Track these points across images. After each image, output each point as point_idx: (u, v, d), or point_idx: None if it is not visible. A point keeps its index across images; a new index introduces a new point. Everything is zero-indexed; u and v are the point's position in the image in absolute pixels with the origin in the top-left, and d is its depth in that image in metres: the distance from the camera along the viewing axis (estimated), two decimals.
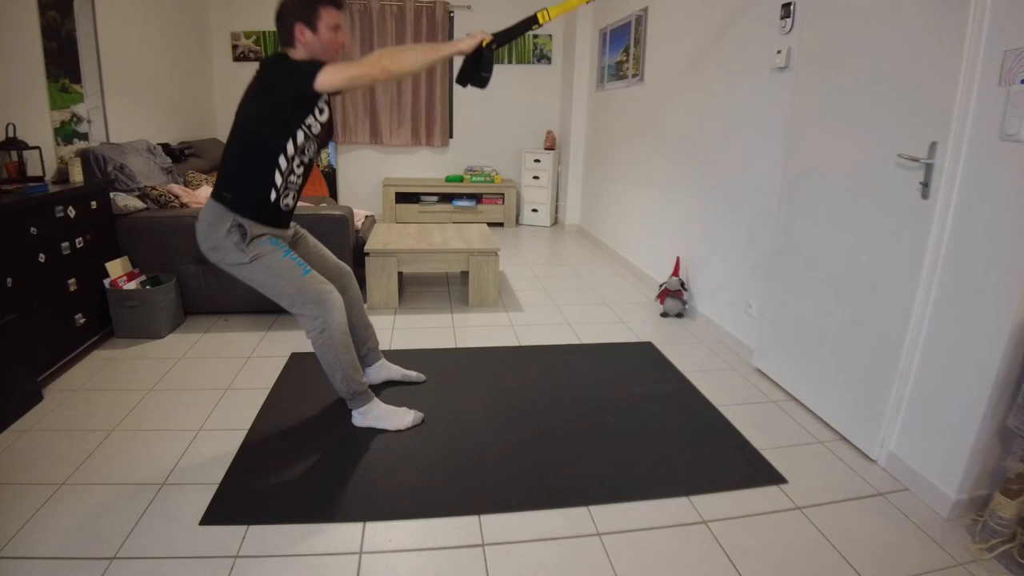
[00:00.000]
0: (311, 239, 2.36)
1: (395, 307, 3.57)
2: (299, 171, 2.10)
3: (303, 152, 2.06)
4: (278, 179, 2.02)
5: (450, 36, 5.89)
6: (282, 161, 2.01)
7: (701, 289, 3.46)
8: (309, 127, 2.02)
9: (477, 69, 2.06)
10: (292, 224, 2.24)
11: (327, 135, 2.15)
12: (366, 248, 3.45)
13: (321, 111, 2.04)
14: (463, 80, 2.10)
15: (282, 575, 1.55)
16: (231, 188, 2.02)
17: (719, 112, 3.22)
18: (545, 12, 2.12)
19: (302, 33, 1.95)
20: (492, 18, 5.60)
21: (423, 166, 6.33)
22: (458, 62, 2.10)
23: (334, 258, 2.40)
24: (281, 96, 1.93)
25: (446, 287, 4.04)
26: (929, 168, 1.84)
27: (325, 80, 1.82)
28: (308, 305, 2.06)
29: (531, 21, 2.11)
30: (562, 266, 4.71)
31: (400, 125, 6.09)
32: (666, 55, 3.94)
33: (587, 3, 2.40)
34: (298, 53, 1.98)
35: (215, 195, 2.04)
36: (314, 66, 1.84)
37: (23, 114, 2.94)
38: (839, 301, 2.24)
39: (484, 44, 2.01)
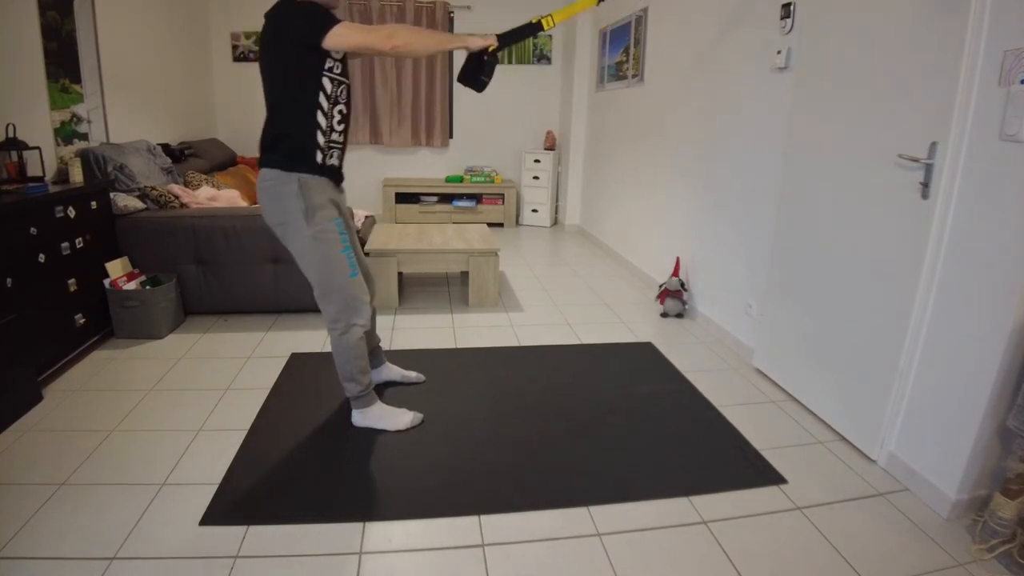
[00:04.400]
0: (352, 223, 2.24)
1: (395, 307, 3.57)
2: (340, 128, 2.02)
3: (336, 102, 1.97)
4: (320, 138, 1.96)
5: None
6: (320, 119, 1.94)
7: (701, 289, 3.46)
8: (330, 69, 1.93)
9: (478, 72, 2.07)
10: (343, 188, 2.16)
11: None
12: (366, 248, 3.45)
13: (338, 51, 1.93)
14: (463, 79, 2.11)
15: (282, 575, 1.55)
16: (278, 150, 1.96)
17: (719, 112, 3.22)
18: (549, 18, 2.11)
19: None
20: (492, 18, 5.62)
21: (423, 166, 6.33)
22: (460, 58, 2.10)
23: (363, 256, 2.28)
24: (292, 45, 1.86)
25: (446, 287, 4.04)
26: (929, 168, 1.84)
27: (335, 39, 1.82)
28: (337, 305, 2.05)
29: (535, 28, 2.10)
30: (562, 266, 4.71)
31: (400, 125, 6.09)
32: (666, 55, 3.94)
33: (596, 4, 2.36)
34: None
35: (266, 164, 1.98)
36: (329, 20, 1.82)
37: (23, 114, 2.94)
38: (839, 301, 2.24)
39: (490, 50, 2.03)
